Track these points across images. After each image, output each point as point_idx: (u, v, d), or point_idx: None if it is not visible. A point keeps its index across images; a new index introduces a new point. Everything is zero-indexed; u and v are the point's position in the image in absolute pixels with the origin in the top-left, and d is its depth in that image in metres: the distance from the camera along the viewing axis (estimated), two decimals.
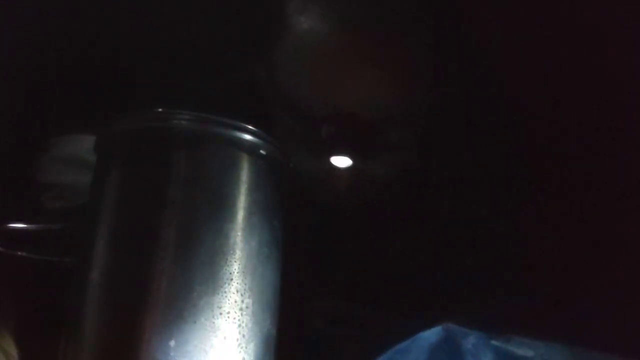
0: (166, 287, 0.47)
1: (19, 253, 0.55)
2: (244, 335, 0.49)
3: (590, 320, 0.57)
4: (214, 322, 0.47)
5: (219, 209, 0.50)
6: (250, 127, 0.52)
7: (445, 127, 0.65)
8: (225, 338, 0.48)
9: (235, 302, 0.49)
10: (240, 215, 0.50)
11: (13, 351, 0.62)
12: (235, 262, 0.49)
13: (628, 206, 0.58)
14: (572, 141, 0.62)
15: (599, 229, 0.60)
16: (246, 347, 0.49)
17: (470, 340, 0.41)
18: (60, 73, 0.64)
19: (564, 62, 0.58)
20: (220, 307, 0.48)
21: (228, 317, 0.48)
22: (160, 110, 0.52)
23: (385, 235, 0.69)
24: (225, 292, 0.48)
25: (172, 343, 0.46)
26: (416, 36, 0.61)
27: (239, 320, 0.49)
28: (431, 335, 0.42)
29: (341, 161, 0.65)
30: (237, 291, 0.49)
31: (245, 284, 0.49)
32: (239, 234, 0.50)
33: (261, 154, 0.53)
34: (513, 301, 0.61)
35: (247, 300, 0.49)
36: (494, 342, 0.41)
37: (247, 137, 0.52)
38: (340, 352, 0.67)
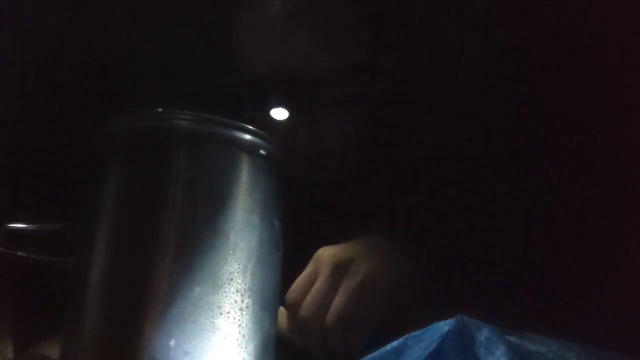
0: (166, 287, 0.47)
1: (19, 253, 0.55)
2: (244, 335, 0.49)
3: (603, 319, 0.58)
4: (213, 322, 0.47)
5: (219, 209, 0.50)
6: (250, 127, 0.52)
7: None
8: (225, 338, 0.48)
9: (235, 302, 0.49)
10: (240, 215, 0.50)
11: (10, 352, 0.62)
12: (235, 262, 0.49)
13: None
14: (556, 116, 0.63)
15: (614, 227, 0.60)
16: (246, 347, 0.49)
17: (484, 333, 0.41)
18: (59, 73, 0.64)
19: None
20: (220, 307, 0.48)
21: (228, 317, 0.48)
22: (160, 110, 0.52)
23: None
24: (225, 292, 0.48)
25: (172, 343, 0.46)
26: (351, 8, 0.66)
27: (239, 320, 0.49)
28: (445, 325, 0.42)
29: (280, 113, 0.66)
30: (237, 291, 0.49)
31: (245, 284, 0.49)
32: (239, 234, 0.50)
33: (261, 154, 0.53)
34: (528, 298, 0.61)
35: (247, 300, 0.49)
36: (507, 337, 0.41)
37: (247, 137, 0.52)
38: None
